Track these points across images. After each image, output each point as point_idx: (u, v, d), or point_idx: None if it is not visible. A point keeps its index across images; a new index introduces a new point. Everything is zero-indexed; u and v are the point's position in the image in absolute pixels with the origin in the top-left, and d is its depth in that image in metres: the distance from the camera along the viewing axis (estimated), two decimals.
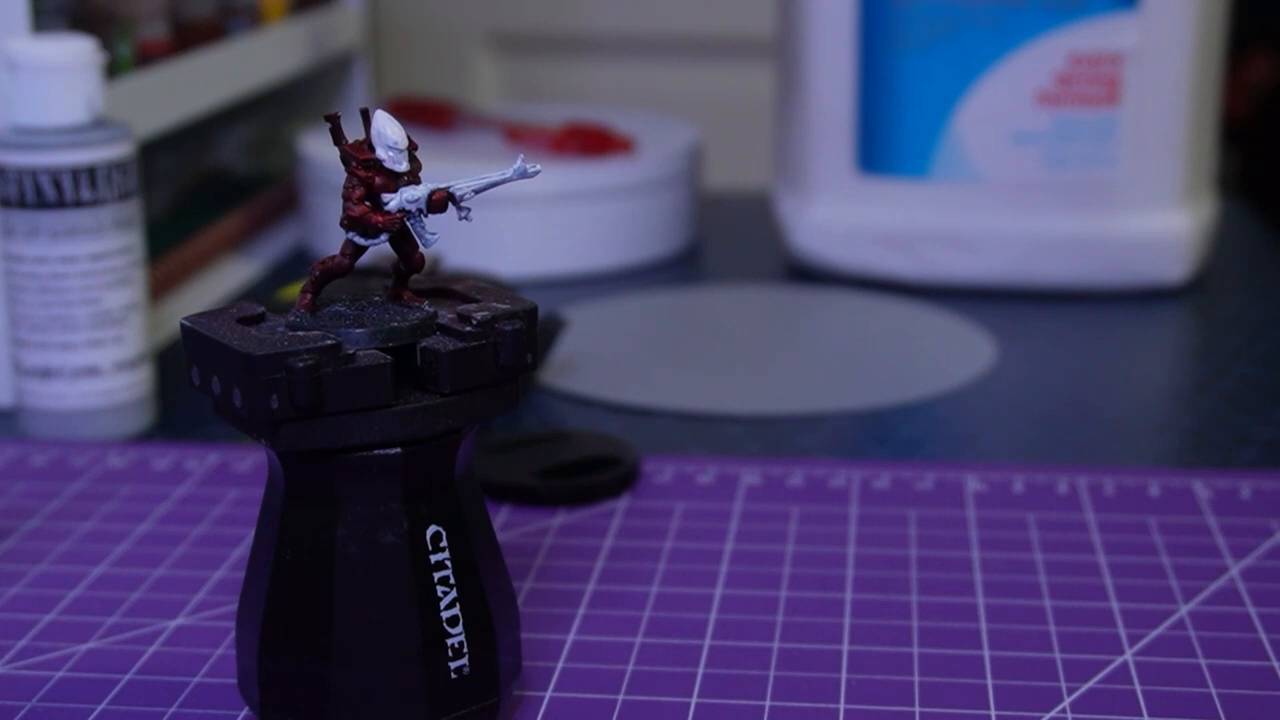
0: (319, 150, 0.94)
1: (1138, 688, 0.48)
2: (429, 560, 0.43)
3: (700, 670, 0.49)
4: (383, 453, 0.42)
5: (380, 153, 0.43)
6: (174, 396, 0.74)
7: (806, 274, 0.93)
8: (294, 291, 0.76)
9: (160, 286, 0.84)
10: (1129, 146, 0.85)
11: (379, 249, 0.75)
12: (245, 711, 0.47)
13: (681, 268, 0.95)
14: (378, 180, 0.43)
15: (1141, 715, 0.46)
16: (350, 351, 0.41)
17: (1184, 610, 0.53)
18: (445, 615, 0.43)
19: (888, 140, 0.87)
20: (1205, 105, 0.87)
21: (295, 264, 0.96)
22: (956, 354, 0.78)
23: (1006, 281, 0.88)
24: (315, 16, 1.00)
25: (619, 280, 0.92)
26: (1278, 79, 1.86)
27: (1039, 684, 0.48)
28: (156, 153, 0.94)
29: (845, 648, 0.50)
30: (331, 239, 0.94)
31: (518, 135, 0.97)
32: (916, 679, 0.48)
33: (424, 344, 0.43)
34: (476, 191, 0.44)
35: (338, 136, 0.43)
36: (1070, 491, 0.62)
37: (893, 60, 0.86)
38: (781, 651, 0.50)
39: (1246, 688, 0.48)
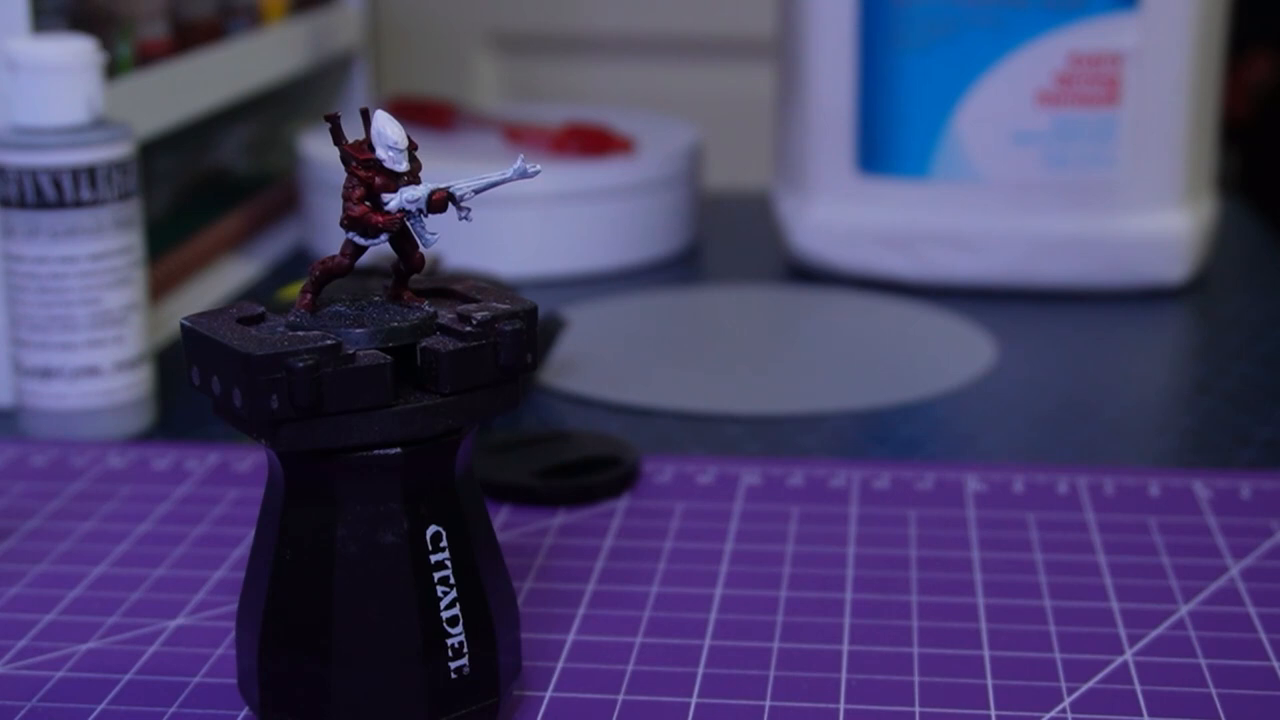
0: (319, 150, 0.94)
1: (1138, 688, 0.48)
2: (429, 560, 0.43)
3: (700, 670, 0.49)
4: (383, 453, 0.42)
5: (380, 153, 0.43)
6: (174, 396, 0.74)
7: (806, 274, 0.93)
8: (294, 291, 0.76)
9: (160, 286, 0.84)
10: (1129, 146, 0.85)
11: (379, 249, 0.75)
12: (245, 711, 0.47)
13: (681, 268, 0.95)
14: (378, 180, 0.43)
15: (1141, 715, 0.46)
16: (350, 351, 0.41)
17: (1184, 610, 0.53)
18: (445, 615, 0.43)
19: (888, 140, 0.87)
20: (1205, 105, 0.87)
21: (295, 264, 0.95)
22: (956, 354, 0.78)
23: (1006, 281, 0.88)
24: (315, 16, 1.00)
25: (619, 280, 0.92)
26: (1278, 79, 1.86)
27: (1039, 684, 0.48)
28: (156, 153, 0.94)
29: (845, 648, 0.50)
30: (331, 239, 0.94)
31: (518, 135, 0.97)
32: (916, 679, 0.48)
33: (424, 344, 0.43)
34: (476, 191, 0.44)
35: (338, 136, 0.43)
36: (1070, 491, 0.62)
37: (893, 60, 0.86)
38: (781, 651, 0.50)
39: (1246, 688, 0.48)
